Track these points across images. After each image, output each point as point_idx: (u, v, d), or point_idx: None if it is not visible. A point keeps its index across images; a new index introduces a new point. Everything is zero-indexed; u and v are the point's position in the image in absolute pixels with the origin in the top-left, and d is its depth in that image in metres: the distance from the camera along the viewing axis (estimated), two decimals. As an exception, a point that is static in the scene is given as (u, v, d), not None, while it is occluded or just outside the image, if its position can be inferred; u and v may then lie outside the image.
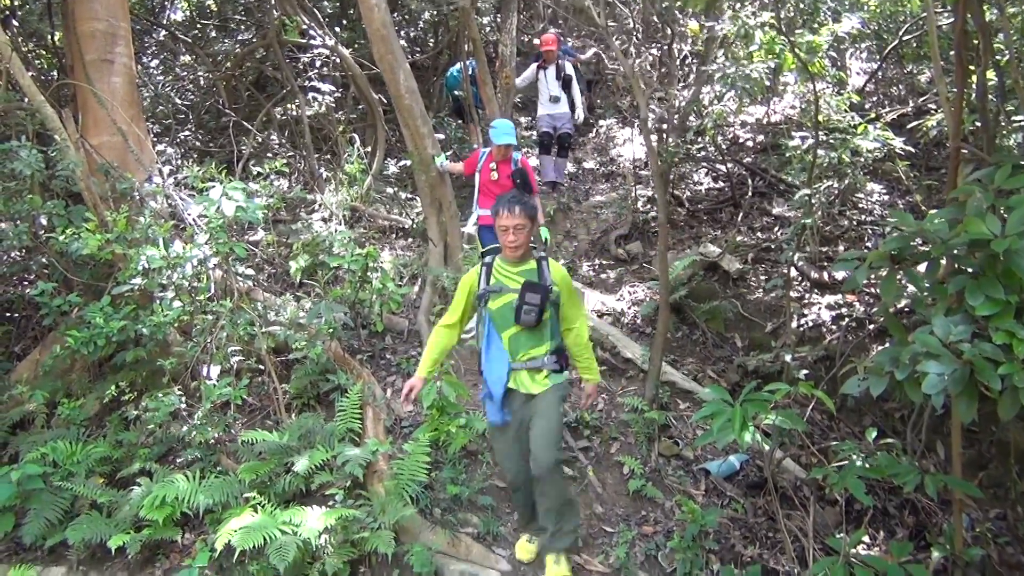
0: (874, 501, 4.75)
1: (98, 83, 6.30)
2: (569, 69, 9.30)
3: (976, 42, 4.50)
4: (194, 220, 5.98)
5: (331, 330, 5.52)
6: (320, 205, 8.28)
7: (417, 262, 7.52)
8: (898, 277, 2.94)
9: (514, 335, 3.93)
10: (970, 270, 2.64)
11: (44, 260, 6.00)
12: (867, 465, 3.42)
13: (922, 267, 2.93)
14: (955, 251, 2.68)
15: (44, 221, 5.79)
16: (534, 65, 9.41)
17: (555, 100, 9.24)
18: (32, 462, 4.67)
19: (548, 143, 9.39)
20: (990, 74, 4.98)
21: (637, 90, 5.99)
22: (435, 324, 4.08)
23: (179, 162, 9.13)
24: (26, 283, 6.53)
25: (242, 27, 11.63)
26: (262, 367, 5.61)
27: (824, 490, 4.81)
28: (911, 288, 3.00)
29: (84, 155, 5.78)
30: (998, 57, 5.52)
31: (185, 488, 4.43)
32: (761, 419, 3.30)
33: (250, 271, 6.41)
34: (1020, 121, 5.83)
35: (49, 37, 8.72)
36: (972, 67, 4.90)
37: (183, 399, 5.13)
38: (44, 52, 9.35)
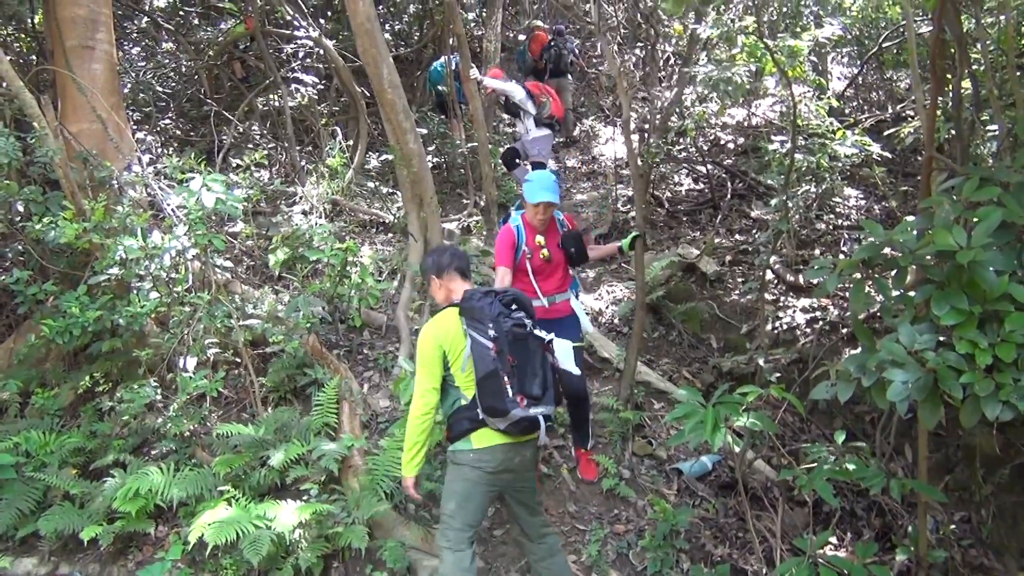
0: (842, 503, 4.83)
1: (78, 70, 6.24)
2: (508, 92, 8.49)
3: (953, 51, 4.57)
4: (173, 210, 5.95)
5: (309, 324, 5.52)
6: (301, 198, 8.26)
7: (397, 257, 7.53)
8: (867, 285, 2.99)
9: None
10: (937, 280, 2.70)
11: (20, 248, 5.95)
12: (835, 468, 3.48)
13: (894, 272, 2.99)
14: (923, 261, 2.73)
15: (20, 208, 5.74)
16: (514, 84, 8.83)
17: (523, 131, 8.68)
18: (4, 452, 4.65)
19: (512, 158, 8.86)
20: (966, 83, 5.05)
21: (621, 90, 6.03)
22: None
23: (159, 151, 9.07)
24: (1, 271, 6.47)
25: (225, 14, 11.55)
26: (239, 360, 5.61)
27: (793, 491, 4.88)
28: (881, 296, 3.06)
29: (63, 142, 5.74)
30: (974, 67, 5.60)
31: (159, 480, 4.43)
32: (733, 421, 3.35)
33: (229, 263, 6.38)
34: (994, 131, 5.92)
35: (29, 21, 8.63)
36: (949, 76, 4.98)
37: (159, 391, 5.12)
38: (24, 36, 9.25)
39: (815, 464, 3.76)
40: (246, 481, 4.57)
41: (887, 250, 2.92)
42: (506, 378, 3.38)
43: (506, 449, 3.50)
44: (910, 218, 3.45)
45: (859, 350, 2.95)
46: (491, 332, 3.42)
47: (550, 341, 3.65)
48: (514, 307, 3.55)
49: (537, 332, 3.58)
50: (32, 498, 4.60)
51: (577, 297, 4.90)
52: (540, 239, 4.72)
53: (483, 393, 3.41)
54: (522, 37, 12.93)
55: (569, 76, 11.07)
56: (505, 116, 8.99)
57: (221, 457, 4.65)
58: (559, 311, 4.72)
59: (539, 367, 3.51)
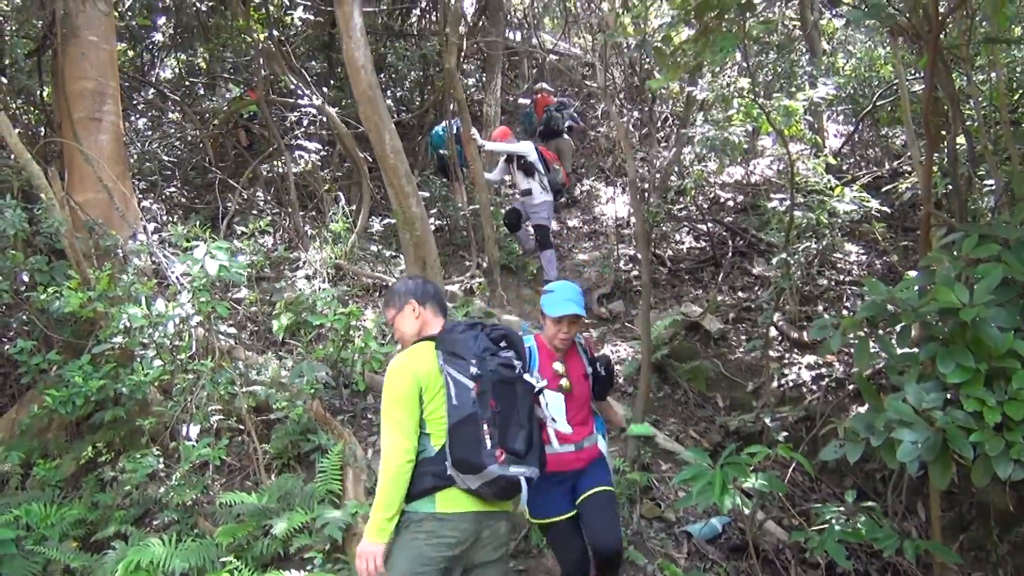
0: (855, 565, 4.73)
1: (85, 141, 6.36)
2: (524, 151, 8.51)
3: (946, 108, 4.64)
4: (177, 278, 5.98)
5: (313, 389, 5.50)
6: (304, 263, 8.31)
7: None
8: (871, 341, 2.99)
9: None
10: (940, 337, 2.69)
11: (24, 317, 5.97)
12: (847, 529, 3.43)
13: (897, 328, 2.98)
14: (926, 318, 2.74)
15: (25, 278, 5.78)
16: (503, 162, 8.93)
17: (526, 193, 8.61)
18: (5, 526, 4.59)
19: (515, 221, 8.83)
20: (960, 140, 5.11)
21: (627, 151, 6.11)
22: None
23: (164, 218, 9.16)
24: (5, 340, 6.48)
25: (230, 85, 11.79)
26: (242, 427, 5.57)
27: (806, 553, 4.78)
28: (885, 353, 3.05)
29: (69, 212, 5.81)
30: (968, 123, 5.68)
31: (161, 552, 4.35)
32: (741, 482, 3.32)
33: (232, 329, 6.40)
34: (990, 185, 5.97)
35: (38, 94, 8.81)
36: (943, 132, 5.05)
37: (161, 459, 5.08)
38: (32, 109, 9.43)
39: (826, 525, 3.70)
40: (249, 551, 4.49)
41: (889, 307, 2.92)
42: (486, 426, 2.86)
43: (475, 518, 2.95)
44: (912, 274, 3.47)
45: (866, 407, 2.93)
46: (473, 370, 2.93)
47: (540, 391, 3.21)
48: (503, 344, 3.10)
49: (528, 377, 3.12)
50: (32, 572, 4.52)
51: (605, 437, 3.96)
52: (559, 366, 3.77)
53: (455, 442, 2.88)
54: (523, 100, 13.15)
55: (566, 136, 11.19)
56: (506, 178, 9.02)
57: (224, 527, 4.59)
58: (588, 456, 3.80)
59: (525, 419, 3.00)
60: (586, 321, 4.11)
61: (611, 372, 3.97)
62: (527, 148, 8.57)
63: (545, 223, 8.58)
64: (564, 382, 3.73)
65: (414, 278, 3.45)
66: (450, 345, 3.02)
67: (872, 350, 2.97)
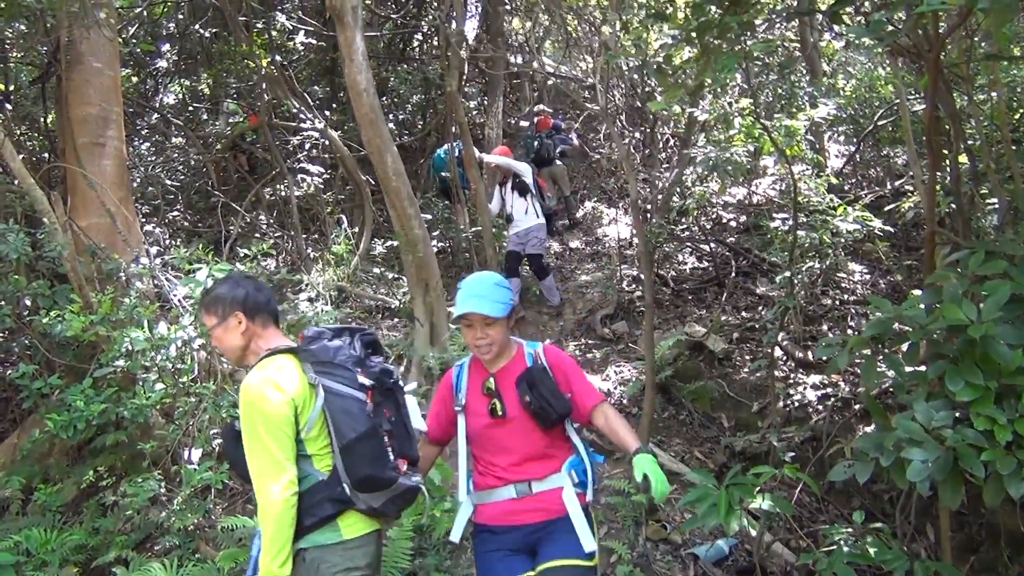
0: (865, 586, 4.68)
1: (89, 166, 6.38)
2: (519, 170, 8.60)
3: (948, 128, 4.64)
4: (180, 301, 5.98)
5: (315, 412, 5.46)
6: (307, 285, 8.30)
7: (403, 342, 7.51)
8: (878, 360, 2.97)
9: None
10: (948, 355, 2.67)
11: (27, 342, 5.96)
12: (856, 551, 3.39)
13: (904, 347, 2.96)
14: (933, 336, 2.71)
15: (28, 302, 5.78)
16: (497, 191, 8.99)
17: (510, 219, 8.69)
18: (5, 551, 4.55)
19: (514, 266, 8.70)
20: (962, 158, 5.11)
21: (629, 172, 6.12)
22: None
23: (167, 242, 9.17)
24: (7, 365, 6.47)
25: (243, 105, 11.86)
26: (244, 450, 5.53)
27: (814, 575, 4.73)
28: (892, 372, 3.03)
29: (72, 237, 5.82)
30: (970, 142, 5.68)
31: (162, 577, 4.32)
32: (748, 503, 3.28)
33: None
34: (994, 204, 5.97)
35: (42, 120, 8.86)
36: (945, 152, 5.05)
37: (163, 483, 5.04)
38: (36, 135, 9.48)
39: (835, 547, 3.65)
40: (251, 576, 4.45)
41: (896, 325, 2.90)
42: (387, 438, 2.68)
43: (377, 538, 2.76)
44: (917, 292, 3.45)
45: (873, 427, 2.90)
46: (362, 379, 2.70)
47: (408, 392, 2.98)
48: (371, 350, 2.90)
49: (401, 381, 2.92)
50: (32, 599, 4.48)
51: (588, 486, 3.05)
52: (491, 384, 3.06)
53: (356, 460, 2.61)
54: (524, 123, 13.21)
55: (558, 162, 11.19)
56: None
57: (225, 551, 4.54)
58: (541, 509, 2.96)
59: (409, 424, 2.86)
60: (517, 319, 3.17)
61: (552, 394, 2.94)
62: (525, 168, 8.62)
63: (538, 250, 8.56)
64: (496, 405, 2.99)
65: (242, 281, 2.89)
66: (322, 355, 2.71)
67: (879, 369, 2.95)
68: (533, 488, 2.97)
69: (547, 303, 8.93)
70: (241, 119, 10.98)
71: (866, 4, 4.14)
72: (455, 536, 3.14)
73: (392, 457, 2.68)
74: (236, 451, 2.67)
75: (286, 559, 2.52)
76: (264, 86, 10.04)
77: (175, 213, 10.38)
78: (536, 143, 10.97)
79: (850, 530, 4.22)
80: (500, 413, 2.98)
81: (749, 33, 4.08)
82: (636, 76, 11.35)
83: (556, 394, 2.94)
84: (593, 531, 2.95)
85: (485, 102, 12.98)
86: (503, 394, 3.00)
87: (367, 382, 2.71)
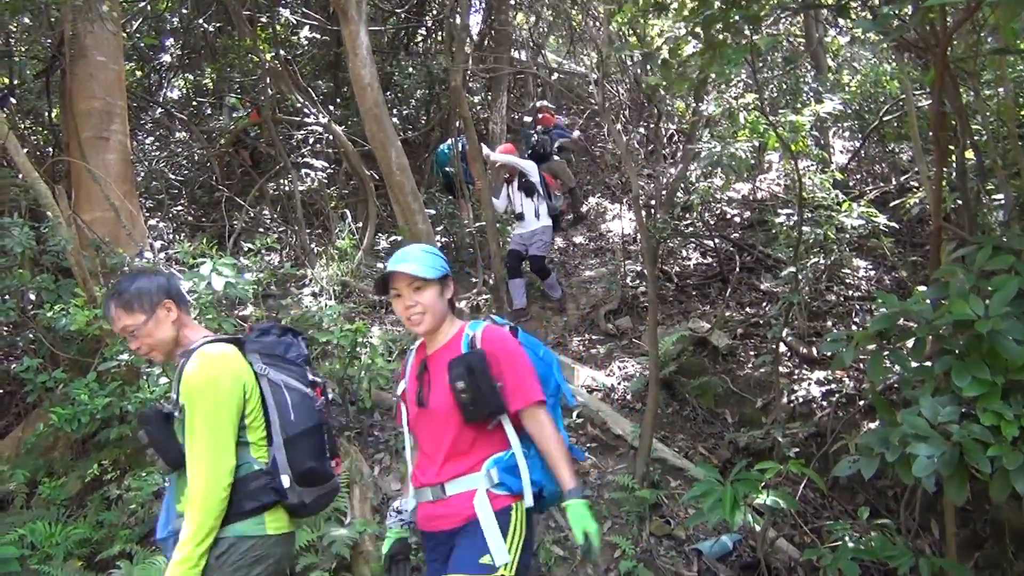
0: (870, 582, 4.67)
1: (93, 160, 6.38)
2: (526, 170, 8.49)
3: (954, 123, 4.62)
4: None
5: (319, 406, 5.46)
6: (310, 280, 8.30)
7: (407, 337, 7.50)
8: (884, 355, 2.95)
9: None
10: (955, 351, 2.66)
11: (31, 336, 5.97)
12: (860, 546, 3.38)
13: (910, 342, 2.95)
14: (940, 331, 2.70)
15: (32, 296, 5.78)
16: (504, 188, 8.84)
17: (520, 217, 8.57)
18: (9, 544, 4.55)
19: (516, 265, 8.60)
20: (968, 154, 5.09)
21: (629, 168, 6.11)
22: None
23: (171, 237, 9.18)
24: (12, 359, 6.48)
25: (245, 102, 11.85)
26: (248, 444, 5.54)
27: (818, 571, 4.72)
28: (898, 367, 3.02)
29: (76, 231, 5.82)
30: (976, 138, 5.66)
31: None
32: (752, 498, 3.27)
33: (238, 346, 6.38)
34: (1000, 199, 5.94)
35: (46, 115, 8.87)
36: (951, 147, 5.03)
37: (167, 478, 5.04)
38: (41, 129, 9.49)
39: (839, 543, 3.65)
40: None
41: (902, 320, 2.89)
42: (326, 435, 2.74)
43: (291, 540, 2.74)
44: (922, 288, 3.44)
45: (878, 423, 2.89)
46: (311, 376, 2.78)
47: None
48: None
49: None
50: (36, 592, 4.49)
51: (517, 486, 2.63)
52: (424, 368, 2.79)
53: (300, 453, 2.63)
54: (528, 118, 13.19)
55: (556, 157, 11.12)
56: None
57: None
58: (453, 514, 2.64)
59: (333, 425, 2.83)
60: (441, 288, 2.76)
61: (486, 383, 2.56)
62: (532, 167, 8.55)
63: (542, 252, 8.49)
64: (422, 392, 2.74)
65: (152, 272, 2.86)
66: (271, 348, 2.76)
67: (884, 364, 2.93)
68: (447, 490, 2.67)
69: (550, 299, 8.90)
70: (243, 114, 10.99)
71: (873, -2, 4.13)
72: (384, 547, 2.91)
73: (329, 454, 2.76)
74: (164, 435, 2.65)
75: (207, 548, 2.46)
76: (268, 81, 10.04)
77: (179, 207, 10.39)
78: (534, 138, 10.92)
79: (855, 526, 4.22)
80: (423, 402, 2.72)
81: (754, 28, 4.06)
82: (639, 71, 11.32)
83: (489, 386, 2.59)
84: (510, 539, 2.55)
85: (489, 97, 12.96)
86: (432, 381, 2.72)
87: (317, 379, 2.79)
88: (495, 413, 2.62)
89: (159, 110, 11.54)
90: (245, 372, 2.66)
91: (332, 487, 2.78)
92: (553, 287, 8.72)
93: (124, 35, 8.13)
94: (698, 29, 4.00)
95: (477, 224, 9.58)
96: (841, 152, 11.13)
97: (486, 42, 12.71)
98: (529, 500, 2.60)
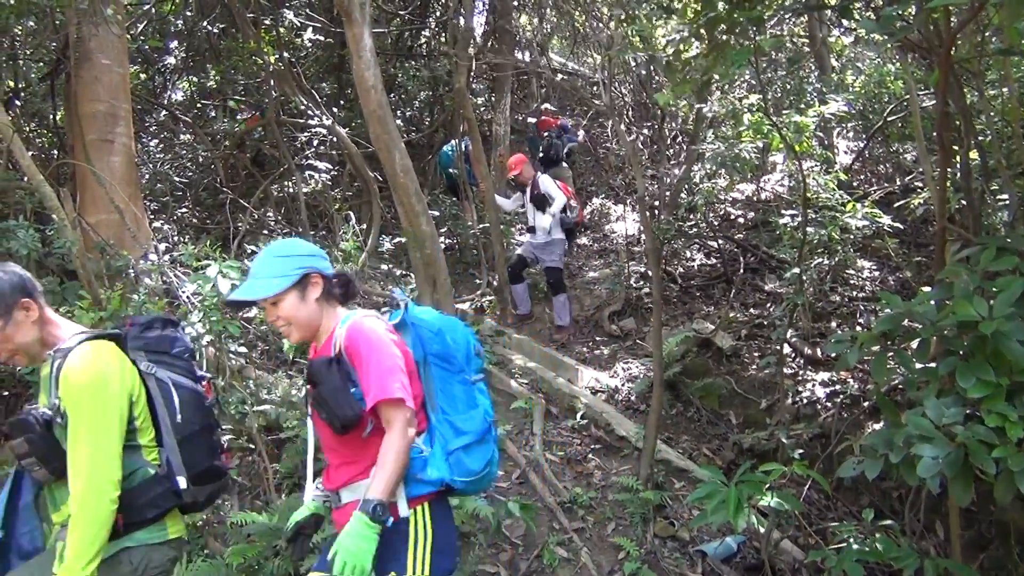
0: (875, 584, 4.66)
1: (97, 162, 6.40)
2: (542, 185, 8.19)
3: (958, 123, 4.61)
4: (188, 298, 5.99)
5: (323, 408, 5.46)
6: (314, 281, 8.29)
7: (411, 339, 7.50)
8: (889, 356, 2.95)
9: None
10: (959, 352, 2.65)
11: (36, 338, 5.97)
12: (865, 548, 3.37)
13: (914, 343, 2.94)
14: (944, 332, 2.70)
15: (37, 299, 5.79)
16: (519, 192, 8.68)
17: (531, 230, 8.38)
18: (14, 546, 4.56)
19: (519, 270, 8.46)
20: (973, 154, 5.07)
21: (635, 168, 6.10)
22: None
23: (176, 239, 9.19)
24: (17, 361, 6.48)
25: (241, 107, 11.87)
26: (252, 446, 5.54)
27: (823, 573, 4.71)
28: (903, 368, 3.01)
29: (81, 233, 5.83)
30: (980, 138, 5.64)
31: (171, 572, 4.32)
32: (757, 500, 3.27)
33: (243, 348, 6.38)
34: (1005, 200, 5.93)
35: (51, 117, 8.89)
36: (956, 148, 5.02)
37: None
38: (46, 132, 9.51)
39: (844, 544, 3.64)
40: (260, 572, 4.45)
41: (907, 321, 2.88)
42: (218, 431, 2.70)
43: (184, 543, 2.65)
44: (927, 289, 3.43)
45: (882, 424, 2.89)
46: (200, 372, 2.70)
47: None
48: None
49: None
50: (42, 594, 4.49)
51: (411, 493, 2.53)
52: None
53: (196, 451, 2.55)
54: (531, 120, 13.20)
55: (564, 164, 11.07)
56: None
57: (234, 547, 4.54)
58: (341, 520, 2.52)
59: None
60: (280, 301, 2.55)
61: (331, 395, 2.41)
62: (559, 199, 8.10)
63: (556, 265, 8.27)
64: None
65: (5, 268, 2.49)
66: (156, 344, 2.62)
67: (889, 366, 2.93)
68: (342, 498, 2.59)
69: (557, 324, 8.53)
70: (245, 116, 11.00)
71: (876, -1, 4.12)
72: (296, 517, 2.75)
73: (219, 450, 2.69)
74: (47, 443, 2.41)
75: (94, 559, 2.28)
76: (272, 83, 10.05)
77: (183, 210, 10.39)
78: (547, 143, 10.87)
79: (859, 527, 4.22)
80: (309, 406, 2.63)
81: (758, 28, 4.06)
82: (644, 72, 11.32)
83: (340, 394, 2.41)
84: (411, 551, 2.44)
85: (493, 98, 12.97)
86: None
87: (205, 374, 2.70)
88: (352, 420, 2.42)
89: (163, 112, 11.55)
90: (129, 372, 2.51)
91: (224, 483, 2.69)
92: (563, 309, 8.35)
93: (128, 38, 8.14)
94: (702, 31, 4.00)
95: (481, 226, 9.59)
96: (845, 153, 11.12)
97: (490, 43, 12.71)
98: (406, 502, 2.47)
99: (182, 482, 2.52)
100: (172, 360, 2.61)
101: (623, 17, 6.61)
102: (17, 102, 8.61)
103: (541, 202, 8.16)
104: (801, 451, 5.48)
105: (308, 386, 2.52)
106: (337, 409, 2.38)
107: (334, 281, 2.70)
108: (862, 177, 10.47)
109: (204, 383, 2.68)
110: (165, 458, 2.52)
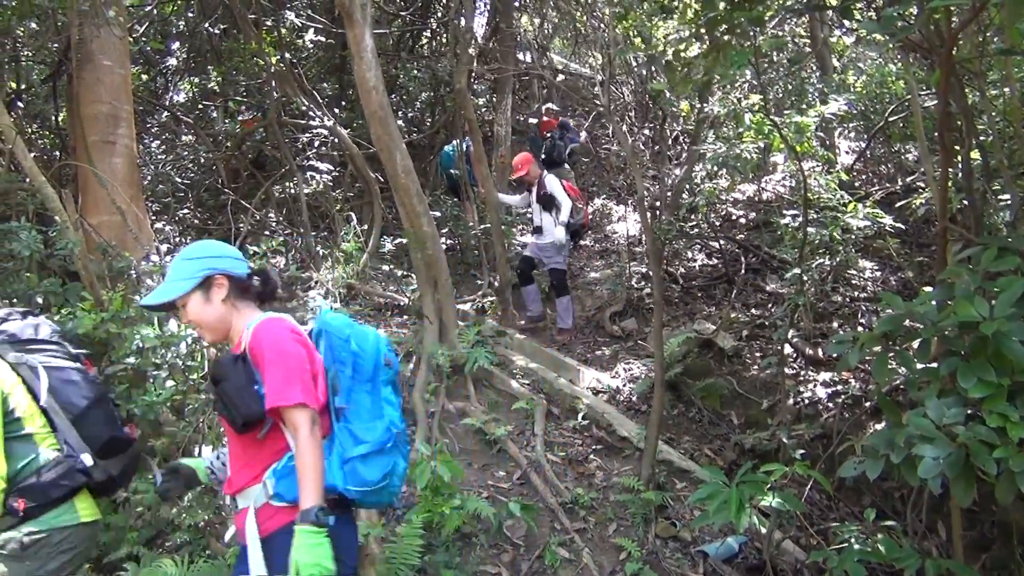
0: (876, 584, 4.66)
1: (99, 163, 6.41)
2: (549, 186, 8.12)
3: (960, 123, 4.60)
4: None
5: (325, 409, 5.47)
6: (316, 283, 8.32)
7: (412, 340, 7.51)
8: (890, 357, 2.95)
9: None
10: (960, 352, 2.65)
11: (38, 339, 5.97)
12: (867, 548, 3.37)
13: (915, 343, 2.94)
14: (945, 333, 2.70)
15: (40, 300, 5.80)
16: (526, 192, 8.60)
17: (538, 231, 8.28)
18: (17, 547, 4.56)
19: (528, 271, 8.38)
20: (974, 154, 5.07)
21: (634, 169, 6.10)
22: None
23: (177, 240, 9.21)
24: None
25: (241, 108, 11.88)
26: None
27: (825, 573, 4.71)
28: (904, 368, 3.01)
29: (83, 234, 5.84)
30: (982, 138, 5.64)
31: (173, 574, 4.33)
32: (758, 500, 3.27)
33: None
34: (1006, 200, 5.92)
35: (53, 119, 8.91)
36: (957, 148, 5.01)
37: (173, 480, 5.04)
38: (47, 133, 9.53)
39: (846, 544, 3.64)
40: (261, 573, 4.45)
41: (908, 322, 2.88)
42: (111, 403, 2.73)
43: (99, 527, 2.70)
44: (928, 289, 3.43)
45: (884, 424, 2.89)
46: (72, 350, 2.74)
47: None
48: None
49: None
50: (43, 595, 4.49)
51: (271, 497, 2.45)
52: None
53: (93, 427, 2.59)
54: (533, 120, 13.20)
55: (566, 166, 11.05)
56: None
57: (236, 548, 4.55)
58: (240, 530, 2.49)
59: None
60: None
61: (230, 396, 2.39)
62: (566, 205, 8.04)
63: (560, 266, 8.20)
64: None
65: None
66: (23, 334, 2.66)
67: (890, 366, 2.93)
68: (238, 503, 2.52)
69: (559, 328, 8.50)
70: (243, 117, 11.01)
71: (877, -1, 4.12)
72: (184, 462, 2.77)
73: (118, 421, 2.72)
74: None
75: None
76: (273, 84, 10.06)
77: (185, 211, 10.41)
78: (550, 143, 10.86)
79: (861, 528, 4.21)
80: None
81: (759, 29, 4.06)
82: (645, 72, 11.32)
83: (244, 391, 2.39)
84: (257, 558, 2.36)
85: (494, 99, 12.98)
86: None
87: (78, 352, 2.72)
88: (253, 418, 2.40)
89: (165, 114, 11.58)
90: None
91: (134, 453, 2.71)
92: (566, 311, 8.32)
93: (130, 39, 8.15)
94: (702, 31, 4.00)
95: (482, 226, 9.59)
96: (847, 153, 11.12)
97: (491, 44, 12.72)
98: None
99: (87, 459, 2.54)
100: (41, 346, 2.63)
101: (620, 11, 6.60)
102: (19, 103, 8.63)
103: (548, 202, 8.11)
104: (803, 451, 5.48)
105: (212, 383, 2.48)
106: (241, 406, 2.37)
107: (247, 281, 2.68)
108: (863, 177, 10.46)
109: (84, 360, 2.72)
110: (62, 440, 2.54)
